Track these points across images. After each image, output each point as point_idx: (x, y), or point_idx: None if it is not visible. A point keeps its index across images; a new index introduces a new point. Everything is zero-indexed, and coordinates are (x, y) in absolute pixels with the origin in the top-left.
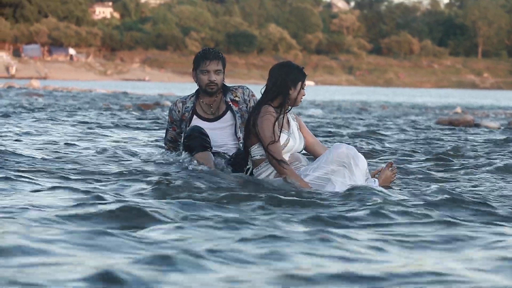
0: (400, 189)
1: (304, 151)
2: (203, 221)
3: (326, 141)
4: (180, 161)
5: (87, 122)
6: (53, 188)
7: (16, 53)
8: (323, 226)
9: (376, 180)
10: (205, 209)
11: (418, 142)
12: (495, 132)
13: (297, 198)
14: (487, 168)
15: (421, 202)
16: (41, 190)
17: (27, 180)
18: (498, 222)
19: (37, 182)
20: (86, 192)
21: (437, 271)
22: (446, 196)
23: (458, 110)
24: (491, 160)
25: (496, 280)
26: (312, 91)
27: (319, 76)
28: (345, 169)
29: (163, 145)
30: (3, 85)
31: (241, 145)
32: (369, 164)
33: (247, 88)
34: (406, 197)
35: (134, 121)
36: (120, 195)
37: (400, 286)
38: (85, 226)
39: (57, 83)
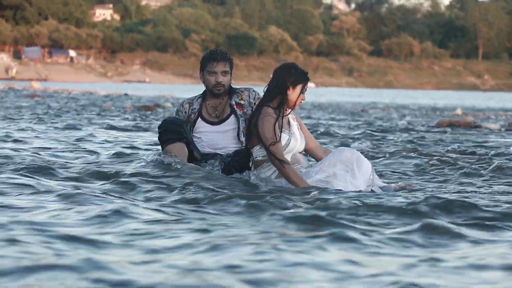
0: (399, 192)
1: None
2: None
3: (324, 143)
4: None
5: (87, 124)
6: (52, 189)
7: (17, 55)
8: (321, 227)
9: (392, 186)
10: (203, 211)
11: (419, 143)
12: (496, 133)
13: (296, 198)
14: (487, 170)
15: (418, 204)
16: (41, 192)
17: (27, 182)
18: (491, 224)
19: (37, 183)
20: (84, 192)
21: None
22: (444, 198)
23: (459, 112)
24: (491, 162)
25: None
26: (313, 92)
27: (319, 78)
28: (347, 173)
29: None
30: (3, 87)
31: (243, 147)
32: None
33: (254, 91)
34: (405, 199)
35: (134, 122)
36: (120, 197)
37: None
38: (83, 227)
39: (58, 85)
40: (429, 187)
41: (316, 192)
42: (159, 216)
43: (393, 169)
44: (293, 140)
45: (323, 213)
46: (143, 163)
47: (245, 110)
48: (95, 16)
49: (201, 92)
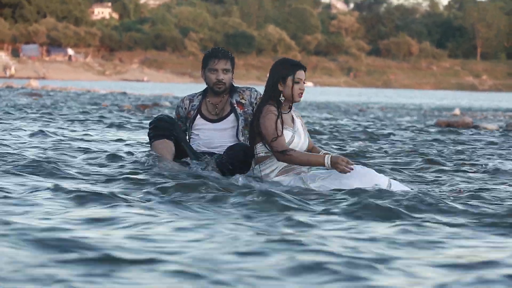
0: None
1: None
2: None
3: (320, 143)
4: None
5: (85, 122)
6: (51, 188)
7: (15, 53)
8: (322, 226)
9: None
10: (200, 210)
11: (417, 143)
12: (494, 134)
13: (294, 197)
14: (485, 170)
15: (416, 204)
16: (39, 190)
17: (25, 180)
18: (489, 224)
19: (34, 182)
20: (82, 192)
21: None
22: (439, 198)
23: (457, 112)
24: (489, 162)
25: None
26: (311, 92)
27: (317, 78)
28: (358, 184)
29: None
30: (1, 85)
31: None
32: (368, 166)
33: (255, 91)
34: (406, 199)
35: (132, 121)
36: (118, 196)
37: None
38: (82, 227)
39: (56, 83)
40: (425, 187)
41: (317, 191)
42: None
43: (390, 169)
44: (297, 137)
45: (324, 211)
46: (134, 162)
47: (245, 109)
48: (93, 14)
49: (202, 90)
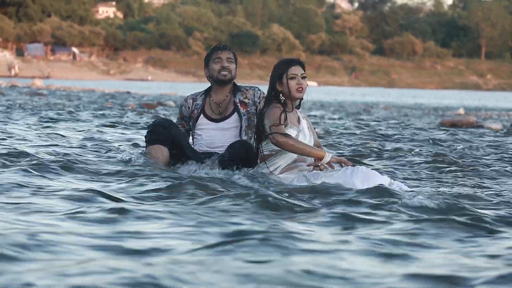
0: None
1: None
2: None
3: (325, 144)
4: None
5: (89, 122)
6: (55, 187)
7: (19, 52)
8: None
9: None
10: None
11: (421, 143)
12: (498, 133)
13: (296, 195)
14: (488, 170)
15: (417, 204)
16: (43, 189)
17: (29, 179)
18: (491, 225)
19: (39, 181)
20: (85, 191)
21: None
22: (442, 198)
23: (461, 111)
24: (493, 162)
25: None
26: (315, 91)
27: (321, 77)
28: (360, 183)
29: None
30: (6, 84)
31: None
32: (371, 165)
33: (259, 90)
34: (407, 199)
35: (137, 120)
36: (122, 196)
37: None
38: (84, 225)
39: (60, 83)
40: (429, 187)
41: (320, 189)
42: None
43: (394, 169)
44: (302, 136)
45: (326, 210)
46: (131, 162)
47: (248, 108)
48: (98, 13)
49: (205, 89)
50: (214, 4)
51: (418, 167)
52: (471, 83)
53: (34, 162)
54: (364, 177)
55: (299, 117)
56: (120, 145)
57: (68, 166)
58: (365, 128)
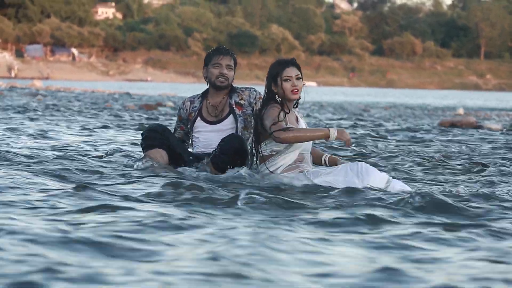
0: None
1: None
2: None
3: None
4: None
5: (89, 123)
6: (54, 189)
7: (19, 53)
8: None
9: None
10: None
11: (420, 143)
12: (498, 134)
13: (303, 196)
14: (488, 170)
15: (417, 205)
16: (42, 191)
17: (29, 180)
18: (492, 225)
19: (38, 182)
20: (84, 193)
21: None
22: (442, 198)
23: (461, 111)
24: (492, 162)
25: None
26: (314, 92)
27: (321, 77)
28: (358, 181)
29: None
30: (5, 85)
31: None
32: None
33: (254, 91)
34: (407, 199)
35: (136, 121)
36: (122, 197)
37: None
38: (84, 226)
39: (60, 84)
40: (429, 187)
41: (321, 189)
42: (142, 215)
43: (394, 169)
44: None
45: (327, 210)
46: (131, 163)
47: (244, 110)
48: (97, 14)
49: (203, 91)
50: (213, 5)
51: (417, 167)
52: (470, 83)
53: (33, 163)
54: (363, 174)
55: (297, 117)
56: (119, 146)
57: (66, 167)
58: (364, 128)
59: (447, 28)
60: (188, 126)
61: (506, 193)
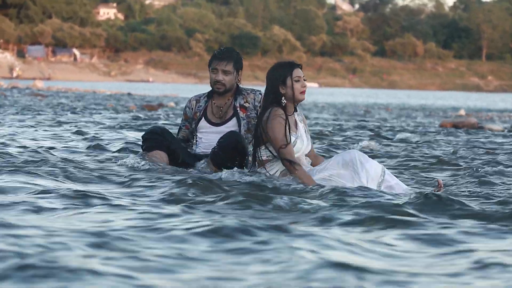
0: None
1: None
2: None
3: (331, 144)
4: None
5: (90, 123)
6: (55, 189)
7: (20, 54)
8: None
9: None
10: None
11: (422, 144)
12: (499, 135)
13: (300, 198)
14: (489, 171)
15: (418, 206)
16: (43, 192)
17: (28, 181)
18: (490, 225)
19: (39, 184)
20: (83, 193)
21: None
22: (442, 199)
23: (462, 112)
24: (494, 163)
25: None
26: (315, 93)
27: (322, 78)
28: (352, 172)
29: None
30: (7, 86)
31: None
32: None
33: (260, 94)
34: (406, 200)
35: (138, 122)
36: (122, 197)
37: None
38: (84, 226)
39: (61, 84)
40: (429, 188)
41: (321, 189)
42: (143, 216)
43: (395, 170)
44: (299, 142)
45: (327, 211)
46: (131, 163)
47: (248, 113)
48: (99, 15)
49: (209, 91)
50: (215, 6)
51: (418, 168)
52: (472, 85)
53: (35, 163)
54: (362, 162)
55: (296, 121)
56: (120, 147)
57: (68, 168)
58: (365, 129)
59: (449, 29)
60: (193, 126)
61: (505, 193)
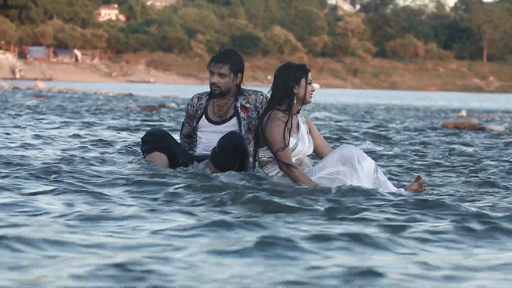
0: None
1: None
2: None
3: (331, 144)
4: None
5: (92, 124)
6: (56, 190)
7: (22, 55)
8: (323, 225)
9: (402, 190)
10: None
11: (423, 145)
12: (501, 135)
13: (300, 198)
14: (491, 172)
15: (418, 205)
16: (45, 193)
17: (31, 182)
18: (491, 225)
19: (41, 184)
20: (86, 194)
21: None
22: (443, 200)
23: (463, 113)
24: (495, 164)
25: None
26: (317, 94)
27: (324, 79)
28: (351, 168)
29: (179, 139)
30: (8, 86)
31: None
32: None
33: (261, 95)
34: (407, 200)
35: (139, 123)
36: (126, 198)
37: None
38: (84, 225)
39: (62, 85)
40: (431, 189)
41: (320, 189)
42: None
43: (396, 171)
44: (301, 144)
45: (329, 210)
46: (132, 164)
47: (249, 113)
48: (100, 16)
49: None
50: (216, 7)
51: (420, 169)
52: (473, 85)
53: (33, 164)
54: (359, 159)
55: (298, 123)
56: (121, 148)
57: (66, 169)
58: (366, 130)
59: (450, 30)
60: (194, 123)
61: (506, 193)
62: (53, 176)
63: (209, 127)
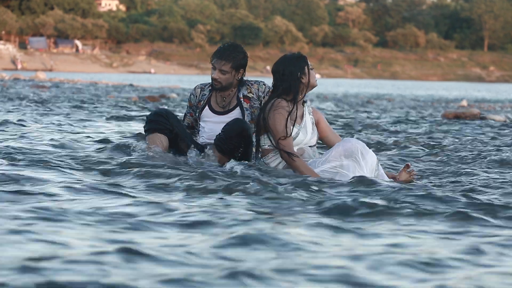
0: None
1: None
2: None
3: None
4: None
5: (92, 114)
6: (58, 180)
7: (22, 45)
8: (323, 218)
9: (393, 180)
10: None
11: (424, 135)
12: (501, 125)
13: (303, 189)
14: (492, 161)
15: (419, 196)
16: (48, 182)
17: (33, 173)
18: (490, 215)
19: (42, 175)
20: (81, 183)
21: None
22: (446, 189)
23: (464, 103)
24: (496, 153)
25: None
26: (318, 83)
27: (324, 69)
28: (354, 162)
29: None
30: (9, 77)
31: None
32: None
33: (264, 85)
34: (409, 191)
35: (140, 113)
36: (126, 189)
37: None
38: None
39: (63, 75)
40: (431, 178)
41: (323, 182)
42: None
43: (397, 161)
44: (302, 134)
45: (331, 203)
46: (133, 152)
47: (252, 103)
48: (100, 6)
49: None
50: None
51: (420, 159)
52: (474, 75)
53: (33, 155)
54: (363, 153)
55: (303, 113)
56: (122, 137)
57: (66, 158)
58: (367, 120)
59: (451, 20)
60: (197, 114)
61: (508, 183)
62: (47, 166)
63: (212, 117)
